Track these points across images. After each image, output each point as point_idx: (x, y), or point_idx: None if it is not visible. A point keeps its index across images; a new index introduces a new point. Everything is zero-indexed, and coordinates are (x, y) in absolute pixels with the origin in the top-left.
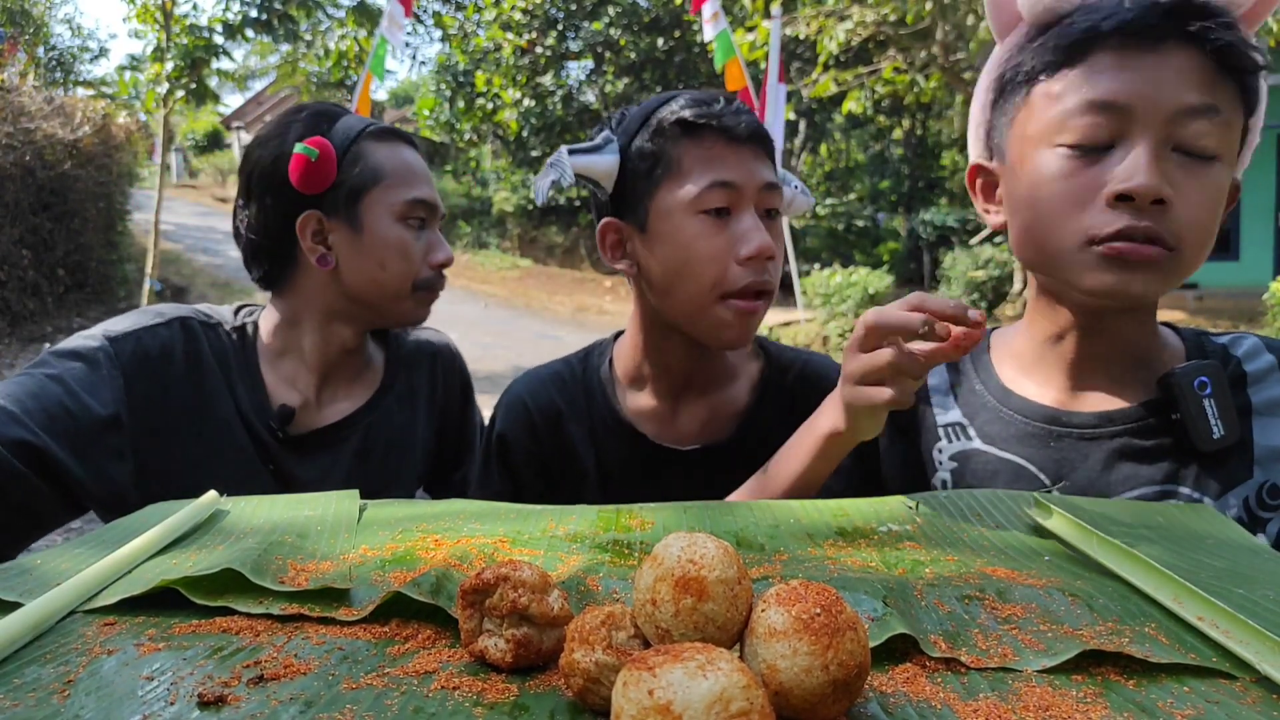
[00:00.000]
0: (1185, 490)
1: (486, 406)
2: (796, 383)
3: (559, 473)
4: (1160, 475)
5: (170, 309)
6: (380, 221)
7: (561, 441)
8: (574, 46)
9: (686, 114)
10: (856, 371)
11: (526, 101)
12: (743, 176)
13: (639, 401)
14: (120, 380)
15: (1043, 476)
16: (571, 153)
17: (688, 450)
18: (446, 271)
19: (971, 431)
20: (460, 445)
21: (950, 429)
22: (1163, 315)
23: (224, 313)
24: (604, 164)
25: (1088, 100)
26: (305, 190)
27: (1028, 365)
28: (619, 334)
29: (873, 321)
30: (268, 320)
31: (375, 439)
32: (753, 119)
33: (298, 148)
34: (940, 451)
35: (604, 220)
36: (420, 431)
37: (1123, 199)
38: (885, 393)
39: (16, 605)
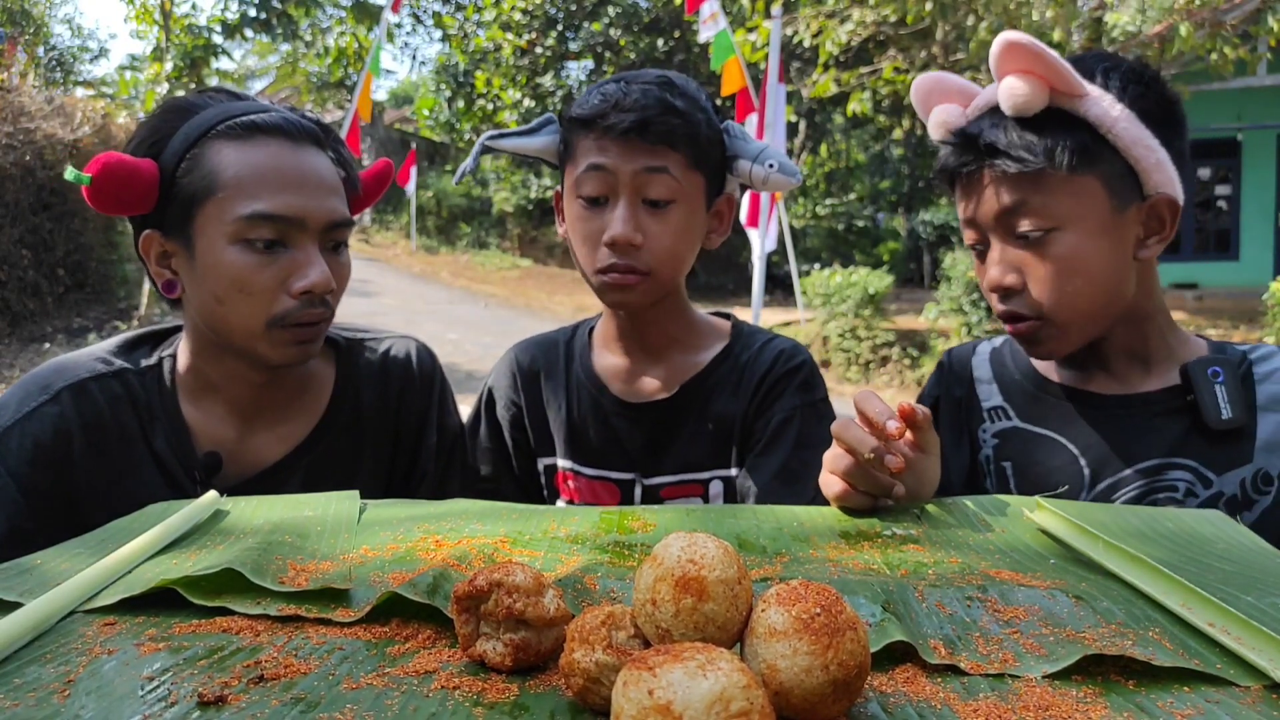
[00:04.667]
0: (1193, 463)
1: None
2: (750, 357)
3: (534, 423)
4: (1174, 448)
5: (58, 374)
6: (213, 245)
7: (538, 396)
8: (574, 46)
9: (576, 111)
10: (825, 461)
11: (526, 102)
12: (616, 164)
13: (609, 361)
14: (12, 486)
15: (1073, 448)
16: (500, 136)
17: (638, 404)
18: (446, 272)
19: (1011, 412)
20: (416, 454)
21: (992, 411)
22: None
23: (134, 349)
24: (535, 144)
25: (963, 219)
26: (109, 214)
27: (1056, 361)
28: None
29: (836, 433)
30: (184, 349)
31: (317, 480)
32: (649, 112)
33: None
34: (985, 431)
35: (556, 188)
36: (366, 460)
37: (997, 291)
38: (834, 486)
39: (16, 605)
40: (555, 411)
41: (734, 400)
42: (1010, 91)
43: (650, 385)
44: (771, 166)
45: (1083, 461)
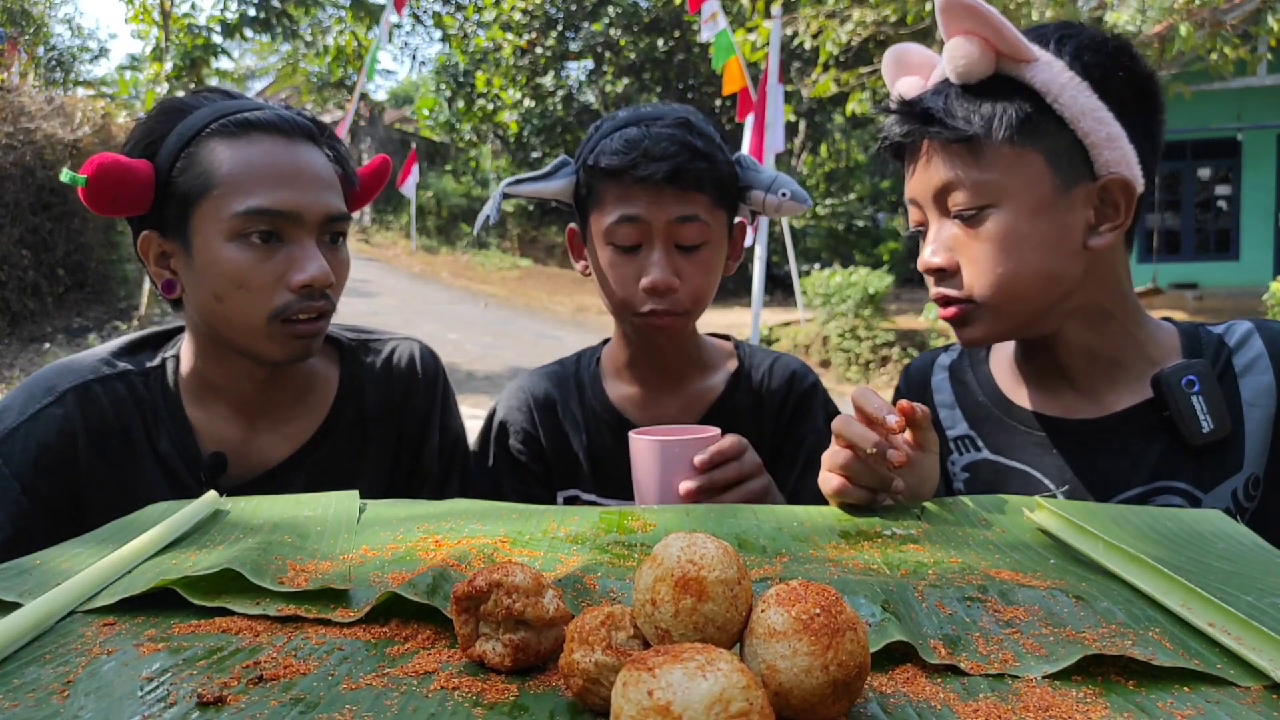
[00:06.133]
0: (1181, 485)
1: (486, 408)
2: (763, 379)
3: (554, 455)
4: (1157, 472)
5: (61, 376)
6: (210, 242)
7: (556, 427)
8: (574, 47)
9: (604, 161)
10: (824, 459)
11: (527, 102)
12: (650, 214)
13: (623, 390)
14: (16, 488)
15: (1047, 482)
16: (518, 182)
17: None
18: (446, 272)
19: (979, 442)
20: (419, 456)
21: (959, 441)
22: (1164, 315)
23: (138, 351)
24: (553, 187)
25: (906, 198)
26: (106, 215)
27: (1019, 376)
28: (607, 340)
29: (836, 429)
30: (186, 350)
31: (321, 480)
32: (678, 160)
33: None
34: (954, 464)
35: (570, 225)
36: (370, 460)
37: (930, 273)
38: (832, 482)
39: (16, 605)
40: (575, 444)
41: (754, 421)
42: (952, 54)
43: (669, 411)
44: (784, 195)
45: (1059, 497)
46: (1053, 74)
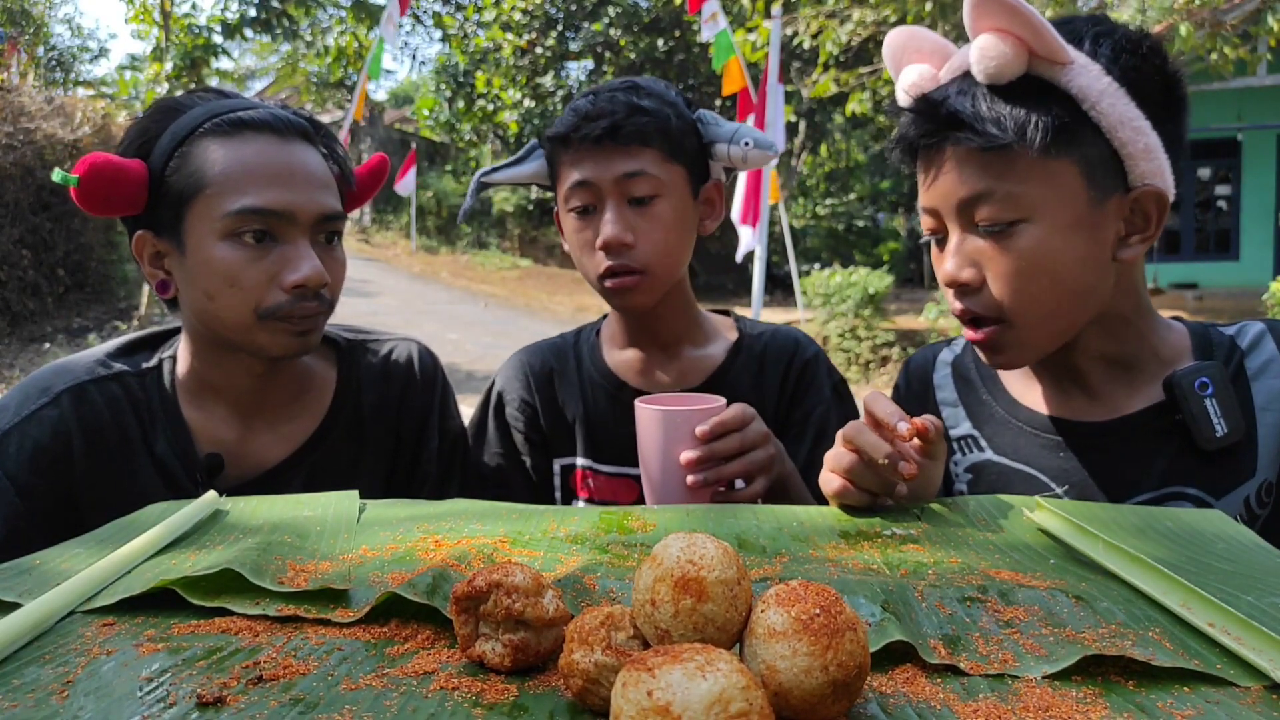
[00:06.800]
0: (1193, 491)
1: None
2: (764, 349)
3: (550, 424)
4: (1168, 477)
5: (57, 377)
6: (203, 243)
7: (553, 396)
8: (574, 47)
9: (551, 132)
10: (826, 460)
11: (527, 102)
12: (597, 174)
13: (622, 357)
14: (10, 489)
15: (1054, 485)
16: (494, 170)
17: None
18: (446, 272)
19: (983, 443)
20: (418, 457)
21: (962, 441)
22: (1165, 315)
23: (134, 352)
24: (526, 171)
25: (922, 204)
26: (99, 215)
27: (1028, 375)
28: (606, 315)
29: (847, 435)
30: (183, 350)
31: (320, 480)
32: (616, 116)
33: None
34: (956, 464)
35: (555, 208)
36: (368, 461)
37: (953, 286)
38: (834, 483)
39: (16, 605)
40: (572, 411)
41: (757, 390)
42: (982, 53)
43: (667, 380)
44: (747, 144)
45: (1064, 499)
46: (1090, 79)
